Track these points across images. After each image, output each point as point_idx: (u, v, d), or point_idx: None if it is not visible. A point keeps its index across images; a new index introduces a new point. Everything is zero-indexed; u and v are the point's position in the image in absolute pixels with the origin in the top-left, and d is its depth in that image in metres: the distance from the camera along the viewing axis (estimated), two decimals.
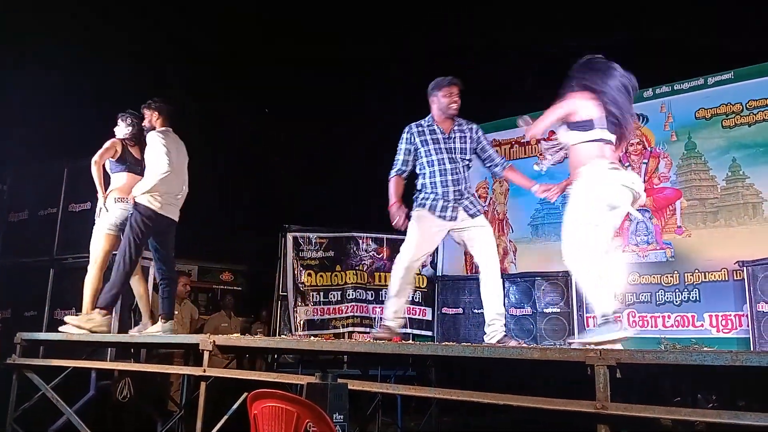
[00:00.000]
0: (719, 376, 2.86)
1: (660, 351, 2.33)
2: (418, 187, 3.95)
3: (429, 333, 6.64)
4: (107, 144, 4.65)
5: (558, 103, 3.34)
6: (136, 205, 4.38)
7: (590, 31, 7.17)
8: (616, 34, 6.82)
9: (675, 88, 6.18)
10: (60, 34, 7.05)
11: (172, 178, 4.46)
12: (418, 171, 3.97)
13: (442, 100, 3.93)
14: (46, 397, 4.32)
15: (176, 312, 6.02)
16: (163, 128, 4.60)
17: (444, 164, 3.85)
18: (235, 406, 3.36)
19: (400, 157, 3.98)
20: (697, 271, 5.70)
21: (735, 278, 5.41)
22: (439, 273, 7.00)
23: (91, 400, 4.76)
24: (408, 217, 3.89)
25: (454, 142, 3.92)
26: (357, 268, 6.66)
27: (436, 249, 7.10)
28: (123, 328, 5.08)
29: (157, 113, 4.62)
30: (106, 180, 4.67)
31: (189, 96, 8.22)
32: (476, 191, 7.43)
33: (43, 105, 6.83)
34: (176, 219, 4.61)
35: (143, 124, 4.65)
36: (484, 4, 7.98)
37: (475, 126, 4.04)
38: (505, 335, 3.74)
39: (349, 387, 2.76)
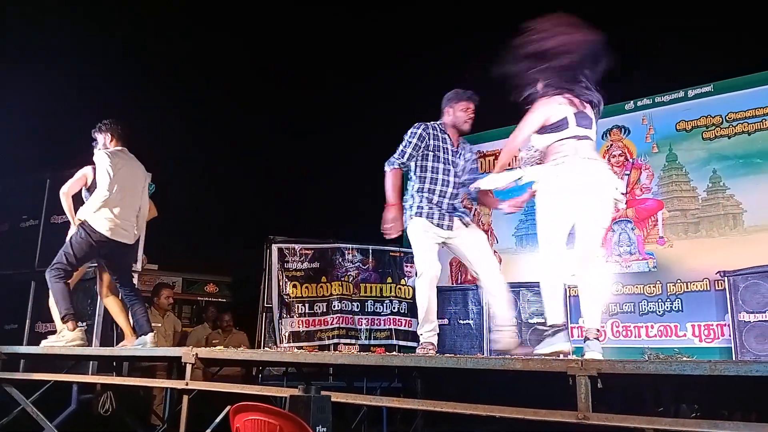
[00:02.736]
0: (702, 386, 2.89)
1: (640, 361, 2.35)
2: (411, 190, 3.83)
3: (415, 344, 6.61)
4: (77, 175, 4.55)
5: (530, 112, 3.29)
6: (82, 223, 4.27)
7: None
8: (596, 48, 6.90)
9: (656, 100, 6.28)
10: (42, 45, 7.02)
11: (121, 198, 4.35)
12: (414, 173, 3.83)
13: (458, 114, 3.84)
14: (26, 411, 4.25)
15: (159, 324, 5.98)
16: (116, 148, 4.53)
17: (448, 175, 3.77)
18: (218, 420, 3.33)
19: (408, 150, 3.77)
20: (679, 281, 5.76)
21: (716, 288, 5.47)
22: None
23: (73, 414, 4.68)
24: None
25: (459, 158, 3.85)
26: (342, 279, 6.66)
27: None
28: (105, 343, 5.04)
29: (109, 135, 4.55)
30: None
31: (175, 107, 8.21)
32: (461, 202, 7.47)
33: (25, 116, 6.78)
34: (129, 242, 4.47)
35: (99, 147, 4.56)
36: (472, 12, 8.07)
37: (474, 148, 4.06)
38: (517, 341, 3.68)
39: (334, 399, 2.75)
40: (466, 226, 3.81)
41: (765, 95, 5.75)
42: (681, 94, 6.17)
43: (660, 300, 5.81)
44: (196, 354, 3.50)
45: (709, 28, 6.52)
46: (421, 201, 3.74)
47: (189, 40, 8.25)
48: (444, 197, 3.75)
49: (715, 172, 5.82)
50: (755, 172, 5.68)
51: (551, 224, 3.23)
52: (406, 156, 3.78)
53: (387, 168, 3.83)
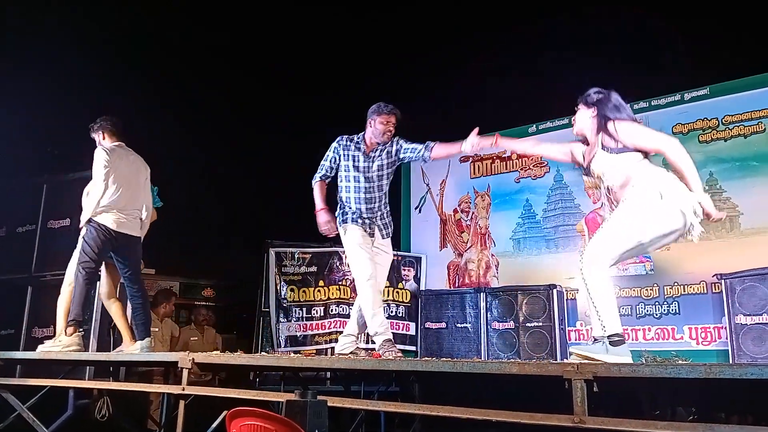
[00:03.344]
0: (699, 389, 2.88)
1: (636, 364, 2.35)
2: (339, 200, 4.14)
3: (412, 348, 6.63)
4: None
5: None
6: (89, 221, 4.30)
7: (570, 48, 7.28)
8: (595, 51, 6.93)
9: (652, 103, 6.30)
10: (39, 46, 7.01)
11: (123, 192, 4.38)
12: (338, 183, 4.16)
13: (377, 126, 4.06)
14: (23, 417, 4.24)
15: (157, 329, 5.97)
16: (113, 144, 4.55)
17: (359, 181, 4.04)
18: (214, 425, 3.33)
19: (326, 163, 4.16)
20: (676, 284, 5.77)
21: (713, 291, 5.49)
22: (422, 287, 7.01)
23: (69, 419, 4.67)
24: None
25: (372, 161, 4.08)
26: (340, 283, 6.65)
27: (420, 263, 7.15)
28: (102, 348, 5.03)
29: (101, 133, 4.59)
30: None
31: (172, 111, 8.21)
32: (459, 205, 7.49)
33: (23, 120, 6.77)
34: (137, 235, 4.50)
35: (99, 141, 4.59)
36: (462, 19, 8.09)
37: (395, 139, 4.15)
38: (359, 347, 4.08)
39: (330, 404, 2.75)
40: (383, 238, 4.10)
41: (761, 98, 5.78)
42: (677, 97, 6.19)
43: (657, 303, 5.82)
44: (193, 359, 3.49)
45: (706, 31, 6.53)
46: (346, 209, 4.08)
47: (188, 41, 8.24)
48: (360, 203, 4.04)
49: (711, 175, 5.83)
50: (752, 174, 5.69)
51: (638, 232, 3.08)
52: (325, 169, 4.16)
53: (313, 182, 4.19)
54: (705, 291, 5.60)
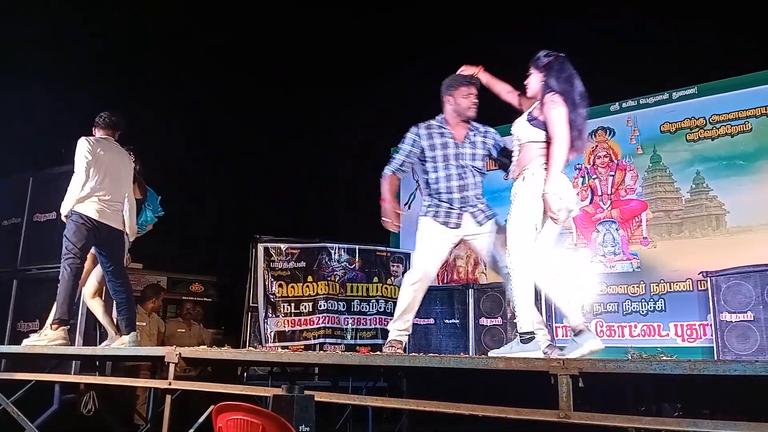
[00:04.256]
0: (685, 385, 2.91)
1: (621, 360, 2.37)
2: (423, 192, 3.75)
3: None
4: None
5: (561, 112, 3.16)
6: (70, 214, 4.25)
7: (559, 45, 7.29)
8: (583, 50, 6.95)
9: (640, 102, 6.33)
10: (26, 43, 6.94)
11: (105, 184, 4.35)
12: (422, 175, 3.74)
13: (460, 101, 3.61)
14: (7, 412, 4.20)
15: (144, 324, 5.94)
16: (99, 136, 4.52)
17: (449, 170, 3.60)
18: (201, 419, 3.31)
19: (400, 157, 3.72)
20: (662, 281, 5.82)
21: (699, 288, 5.54)
22: None
23: (55, 414, 4.64)
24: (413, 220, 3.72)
25: (464, 148, 3.64)
26: (329, 278, 6.64)
27: (409, 259, 7.15)
28: (89, 342, 4.98)
29: (94, 128, 4.58)
30: None
31: (162, 105, 8.16)
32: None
33: (9, 115, 6.70)
34: (120, 228, 4.46)
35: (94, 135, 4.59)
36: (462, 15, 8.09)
37: (491, 131, 3.76)
38: (550, 345, 3.25)
39: (318, 399, 2.74)
40: (479, 225, 3.59)
41: (748, 98, 5.82)
42: (665, 96, 6.23)
43: (643, 300, 5.86)
44: (180, 353, 3.48)
45: (694, 31, 6.58)
46: (430, 202, 3.66)
47: (177, 38, 8.20)
48: (452, 193, 3.59)
49: (698, 174, 5.88)
50: (738, 173, 5.74)
51: (537, 219, 3.20)
52: (399, 163, 3.73)
53: (383, 175, 3.77)
54: (691, 289, 5.65)
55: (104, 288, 4.62)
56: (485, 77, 3.71)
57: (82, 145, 4.35)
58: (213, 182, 8.92)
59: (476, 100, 3.64)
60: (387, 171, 3.77)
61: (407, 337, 3.76)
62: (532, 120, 3.23)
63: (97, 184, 4.32)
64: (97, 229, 4.29)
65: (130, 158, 4.67)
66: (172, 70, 8.26)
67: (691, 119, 6.06)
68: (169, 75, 8.29)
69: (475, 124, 3.72)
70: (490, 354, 3.27)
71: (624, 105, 6.40)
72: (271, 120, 8.93)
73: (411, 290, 3.59)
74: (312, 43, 8.58)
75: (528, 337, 3.10)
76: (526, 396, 2.55)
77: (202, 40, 8.38)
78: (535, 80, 3.29)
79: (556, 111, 3.12)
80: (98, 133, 4.56)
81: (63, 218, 4.36)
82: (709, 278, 5.11)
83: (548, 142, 3.15)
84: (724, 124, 5.90)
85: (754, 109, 5.76)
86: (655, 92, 6.29)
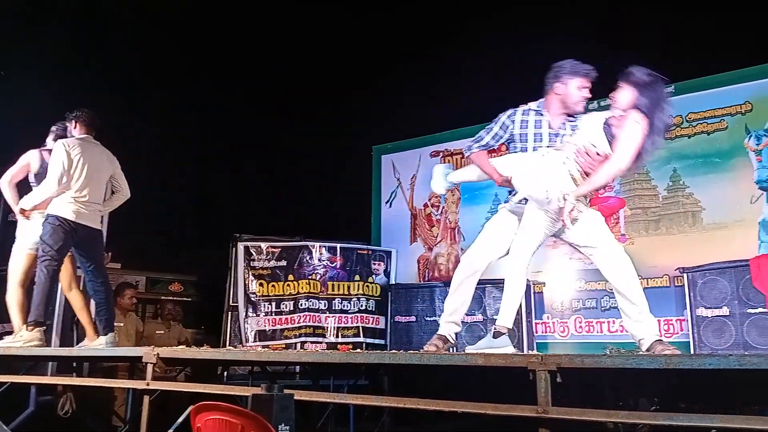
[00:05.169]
0: (662, 380, 2.95)
1: (599, 355, 2.40)
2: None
3: (382, 341, 6.65)
4: (20, 161, 4.49)
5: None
6: (47, 216, 4.21)
7: (544, 43, 7.35)
8: (560, 47, 7.00)
9: None
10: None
11: (83, 185, 4.31)
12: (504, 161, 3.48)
13: (572, 92, 3.30)
14: None
15: (122, 324, 5.87)
16: (80, 136, 4.47)
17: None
18: (180, 420, 3.29)
19: (485, 136, 3.47)
20: (640, 277, 5.81)
21: (676, 284, 5.60)
22: (392, 281, 7.02)
23: (31, 416, 4.58)
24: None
25: (559, 137, 3.36)
26: (310, 277, 6.62)
27: (390, 257, 7.16)
28: (65, 343, 4.92)
29: (74, 122, 4.51)
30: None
31: (140, 100, 8.07)
32: (429, 200, 7.51)
33: None
34: (98, 227, 4.44)
35: (67, 134, 4.52)
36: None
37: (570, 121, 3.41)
38: (657, 341, 3.09)
39: (298, 397, 2.73)
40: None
41: (724, 96, 5.90)
42: None
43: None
44: (158, 354, 3.44)
45: (673, 28, 6.65)
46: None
47: (157, 28, 8.11)
48: None
49: (675, 171, 5.95)
50: (714, 171, 5.82)
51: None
52: (483, 142, 3.48)
53: (469, 153, 3.53)
54: (668, 284, 5.72)
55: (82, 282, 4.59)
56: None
57: (60, 151, 4.30)
58: (192, 181, 8.85)
59: (589, 95, 3.36)
60: (474, 148, 3.50)
61: (453, 330, 3.52)
62: (606, 126, 3.04)
63: (74, 186, 4.28)
64: (74, 231, 4.25)
65: (111, 158, 4.62)
66: (147, 68, 8.17)
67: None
68: (144, 72, 8.20)
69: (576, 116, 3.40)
70: (466, 350, 3.29)
71: (602, 103, 6.41)
72: (252, 118, 8.87)
73: (460, 273, 3.49)
74: (291, 40, 8.54)
75: (500, 333, 3.13)
76: (510, 392, 2.56)
77: (177, 36, 8.29)
78: (625, 95, 3.07)
79: (634, 131, 2.95)
80: (80, 130, 4.50)
81: (19, 213, 4.31)
82: (685, 274, 5.18)
83: (604, 156, 3.00)
84: (701, 122, 5.98)
85: (730, 107, 5.85)
86: None
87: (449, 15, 8.06)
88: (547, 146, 3.32)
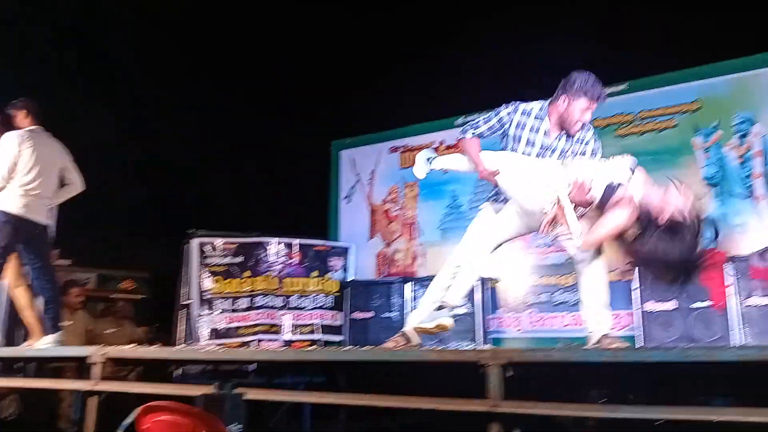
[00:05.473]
0: (614, 373, 3.01)
1: (548, 349, 2.44)
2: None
3: (340, 338, 6.62)
4: None
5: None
6: None
7: (494, 42, 7.43)
8: (515, 45, 7.12)
9: None
10: None
11: (32, 179, 4.21)
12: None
13: (573, 110, 3.12)
14: None
15: (70, 323, 5.70)
16: (30, 127, 4.34)
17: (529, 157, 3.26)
18: (127, 421, 3.20)
19: (481, 124, 3.33)
20: None
21: (625, 279, 5.74)
22: (350, 277, 7.00)
23: None
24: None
25: (554, 146, 3.26)
26: (266, 274, 6.53)
27: (348, 253, 7.13)
28: (10, 342, 4.76)
29: (25, 111, 4.39)
30: None
31: (91, 90, 7.84)
32: (387, 195, 7.51)
33: None
34: (44, 222, 4.33)
35: (14, 124, 4.39)
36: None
37: (595, 134, 3.39)
38: (605, 335, 3.07)
39: (252, 396, 2.70)
40: None
41: (675, 94, 6.07)
42: None
43: (573, 290, 6.03)
44: (105, 353, 3.35)
45: (626, 26, 6.80)
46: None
47: (114, 18, 7.88)
48: None
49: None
50: (663, 168, 5.95)
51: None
52: (479, 130, 3.33)
53: (464, 136, 3.37)
54: (618, 279, 5.84)
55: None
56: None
57: (9, 144, 4.18)
58: (146, 174, 8.62)
59: (587, 120, 3.19)
60: (469, 134, 3.35)
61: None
62: (611, 185, 2.87)
63: (25, 178, 4.18)
64: (21, 227, 4.12)
65: (63, 149, 4.50)
66: (100, 55, 7.94)
67: (621, 115, 6.26)
68: (101, 56, 7.97)
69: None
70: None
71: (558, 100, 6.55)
72: (207, 111, 8.72)
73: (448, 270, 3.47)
74: (251, 34, 8.42)
75: (442, 307, 3.25)
76: (473, 386, 2.58)
77: (140, 27, 8.09)
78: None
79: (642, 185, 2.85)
80: (30, 121, 4.37)
81: None
82: (635, 268, 5.30)
83: (591, 200, 2.89)
84: (652, 120, 6.13)
85: (680, 105, 6.02)
86: None
87: (406, 12, 8.07)
88: (537, 156, 3.22)
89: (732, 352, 2.15)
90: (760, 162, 5.63)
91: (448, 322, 3.22)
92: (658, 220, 2.66)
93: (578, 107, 3.11)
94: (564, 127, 3.19)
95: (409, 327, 3.55)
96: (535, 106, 3.28)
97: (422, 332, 3.26)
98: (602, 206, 2.84)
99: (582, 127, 3.22)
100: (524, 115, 3.27)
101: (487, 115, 3.36)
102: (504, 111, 3.32)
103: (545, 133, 3.23)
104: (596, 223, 2.86)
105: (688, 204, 2.69)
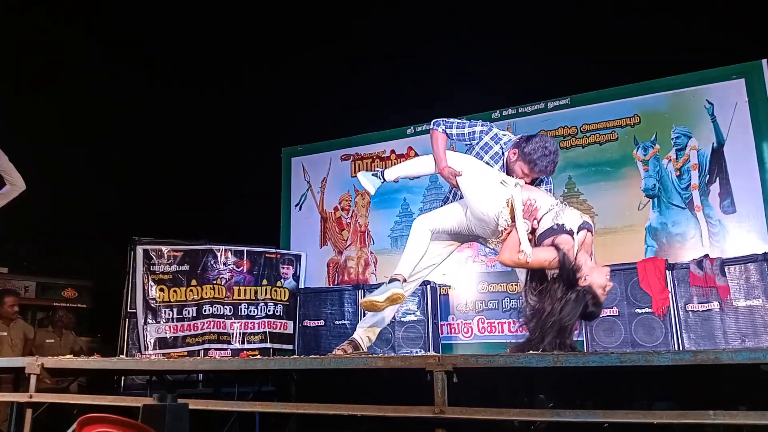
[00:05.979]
0: (561, 378, 3.08)
1: (491, 355, 2.47)
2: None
3: (290, 346, 6.56)
4: None
5: None
6: None
7: (446, 54, 7.54)
8: (462, 58, 7.25)
9: (519, 110, 6.68)
10: None
11: None
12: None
13: (516, 168, 3.20)
14: None
15: (5, 333, 5.47)
16: None
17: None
18: None
19: (454, 129, 3.37)
20: None
21: None
22: (301, 285, 6.96)
23: None
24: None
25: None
26: (215, 282, 6.43)
27: (300, 260, 7.09)
28: None
29: None
30: None
31: (31, 97, 7.56)
32: (339, 203, 7.51)
33: None
34: None
35: None
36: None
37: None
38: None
39: (197, 407, 2.64)
40: None
41: (615, 109, 6.30)
42: (542, 105, 6.60)
43: (521, 297, 6.16)
44: (42, 364, 3.23)
45: (568, 44, 7.01)
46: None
47: (54, 15, 7.63)
48: None
49: (570, 179, 6.29)
50: (605, 179, 6.20)
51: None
52: (451, 130, 3.36)
53: (435, 129, 3.39)
54: None
55: None
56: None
57: None
58: (88, 178, 8.35)
59: (525, 181, 3.18)
60: (440, 128, 3.38)
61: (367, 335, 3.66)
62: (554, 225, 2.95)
63: None
64: None
65: None
66: (45, 56, 7.67)
67: (565, 128, 6.46)
68: (44, 60, 7.69)
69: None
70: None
71: (504, 113, 6.71)
72: (154, 116, 8.51)
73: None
74: (198, 33, 8.28)
75: (395, 279, 3.23)
76: (426, 393, 2.60)
77: (91, 23, 7.85)
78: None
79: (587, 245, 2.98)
80: None
81: None
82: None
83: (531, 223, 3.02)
84: (594, 133, 6.34)
85: (620, 119, 6.25)
86: (532, 102, 6.65)
87: (359, 22, 8.11)
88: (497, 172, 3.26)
89: (667, 356, 2.23)
90: (696, 174, 5.89)
91: (400, 290, 3.16)
92: (577, 280, 2.76)
93: (520, 168, 3.20)
94: (513, 173, 3.25)
95: (357, 333, 3.54)
96: (504, 138, 3.37)
97: (371, 306, 3.16)
98: (541, 238, 2.95)
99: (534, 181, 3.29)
100: (493, 140, 3.34)
101: (463, 122, 3.41)
102: (479, 127, 3.38)
103: (504, 164, 3.31)
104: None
105: (604, 285, 2.86)
